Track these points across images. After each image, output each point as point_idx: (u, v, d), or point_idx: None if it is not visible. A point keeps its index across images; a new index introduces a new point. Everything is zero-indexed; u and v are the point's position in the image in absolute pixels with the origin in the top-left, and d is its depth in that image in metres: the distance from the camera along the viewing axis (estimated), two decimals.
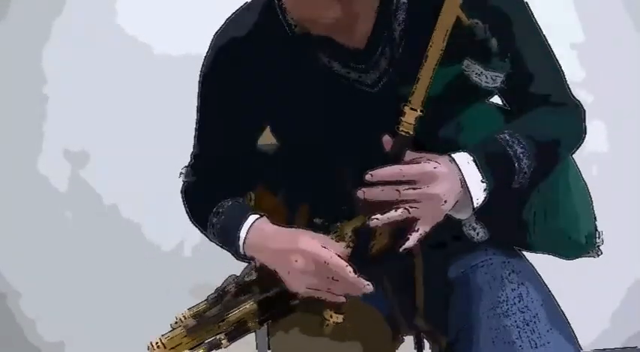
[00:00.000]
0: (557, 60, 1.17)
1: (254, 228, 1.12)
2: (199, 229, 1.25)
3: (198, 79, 1.21)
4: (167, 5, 2.11)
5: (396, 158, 1.03)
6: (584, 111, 1.18)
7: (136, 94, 2.12)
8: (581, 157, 1.20)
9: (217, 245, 1.22)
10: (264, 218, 1.14)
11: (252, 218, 1.13)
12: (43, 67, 2.14)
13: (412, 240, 1.02)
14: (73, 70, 2.12)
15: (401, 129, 1.02)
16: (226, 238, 1.16)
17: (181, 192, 1.29)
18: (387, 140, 1.04)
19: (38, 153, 2.18)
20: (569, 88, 1.18)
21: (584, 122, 1.18)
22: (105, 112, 2.14)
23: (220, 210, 1.17)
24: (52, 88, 2.16)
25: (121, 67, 2.12)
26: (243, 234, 1.12)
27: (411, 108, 1.02)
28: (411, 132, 1.02)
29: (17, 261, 2.21)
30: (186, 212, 1.28)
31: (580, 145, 1.18)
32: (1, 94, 2.14)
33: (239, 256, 1.16)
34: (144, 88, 2.11)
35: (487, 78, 1.10)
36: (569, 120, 1.16)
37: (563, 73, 1.17)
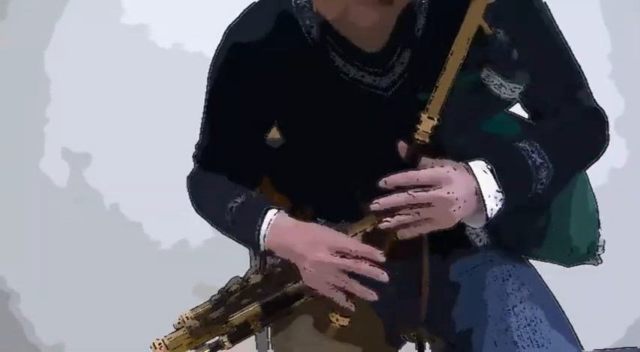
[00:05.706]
0: (579, 66, 1.15)
1: (275, 222, 1.11)
2: (204, 217, 1.24)
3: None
4: (168, 6, 2.12)
5: (410, 165, 1.02)
6: (607, 119, 1.16)
7: (137, 94, 2.12)
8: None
9: (231, 238, 1.21)
10: (282, 212, 1.13)
11: (271, 213, 1.12)
12: (45, 67, 2.14)
13: (411, 232, 1.02)
14: (74, 70, 2.13)
15: (417, 136, 1.02)
16: (244, 234, 1.15)
17: (187, 178, 1.29)
18: (402, 146, 1.03)
19: (40, 154, 2.19)
20: (591, 95, 1.16)
21: (607, 131, 1.15)
22: (106, 112, 2.14)
23: (234, 206, 1.16)
24: (53, 88, 2.16)
25: (122, 66, 2.12)
26: (263, 229, 1.11)
27: (429, 117, 1.01)
28: (427, 141, 1.01)
29: (17, 262, 2.21)
30: (190, 201, 1.27)
31: (601, 155, 1.15)
32: (2, 94, 2.15)
33: (258, 251, 1.15)
34: (145, 88, 2.11)
35: (506, 89, 1.09)
36: (590, 129, 1.14)
37: (586, 80, 1.15)
